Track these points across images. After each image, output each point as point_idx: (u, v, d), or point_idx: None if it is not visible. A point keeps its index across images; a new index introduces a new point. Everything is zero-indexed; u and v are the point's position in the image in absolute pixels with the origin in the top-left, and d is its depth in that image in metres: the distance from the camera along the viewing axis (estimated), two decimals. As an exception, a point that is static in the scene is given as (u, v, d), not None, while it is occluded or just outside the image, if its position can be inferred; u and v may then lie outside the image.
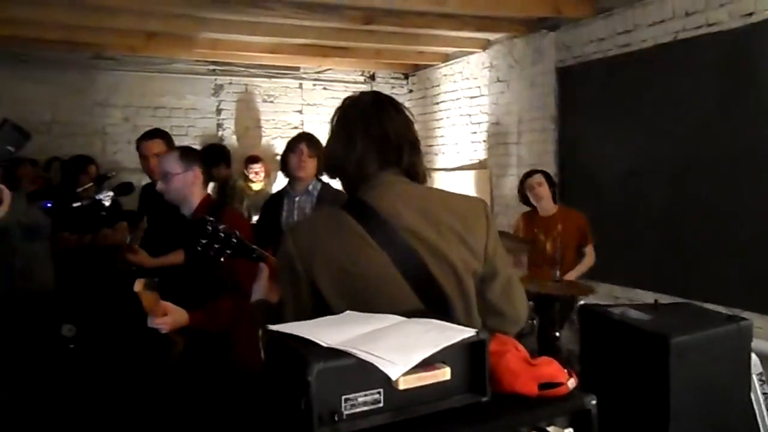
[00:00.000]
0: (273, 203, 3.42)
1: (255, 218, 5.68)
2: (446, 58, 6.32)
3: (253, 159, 6.01)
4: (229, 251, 1.80)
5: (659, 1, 4.09)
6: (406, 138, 1.47)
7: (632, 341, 2.23)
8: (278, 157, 6.64)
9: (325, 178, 3.72)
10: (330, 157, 1.54)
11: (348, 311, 1.28)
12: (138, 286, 1.97)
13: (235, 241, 1.80)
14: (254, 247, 1.82)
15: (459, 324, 1.17)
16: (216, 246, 1.79)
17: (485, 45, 5.72)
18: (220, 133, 6.44)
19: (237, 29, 4.82)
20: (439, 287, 1.35)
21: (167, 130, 6.16)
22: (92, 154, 5.69)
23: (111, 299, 2.74)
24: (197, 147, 6.27)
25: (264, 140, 6.65)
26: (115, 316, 2.66)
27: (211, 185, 5.20)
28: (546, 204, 4.05)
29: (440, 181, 6.57)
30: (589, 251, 4.00)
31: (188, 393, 2.30)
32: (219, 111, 6.43)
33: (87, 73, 5.84)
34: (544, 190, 4.01)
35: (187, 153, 2.53)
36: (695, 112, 3.90)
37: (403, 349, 1.02)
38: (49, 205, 4.72)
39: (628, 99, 4.34)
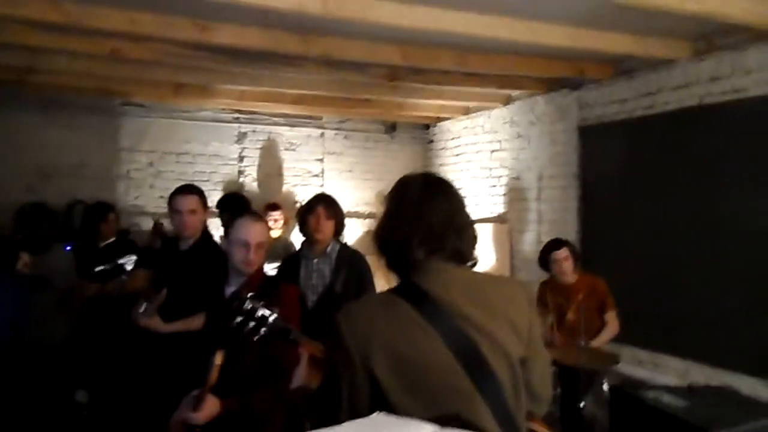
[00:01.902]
0: (290, 265, 3.41)
1: (272, 265, 5.70)
2: (467, 110, 6.38)
3: (273, 206, 6.04)
4: (264, 330, 1.78)
5: (683, 65, 4.10)
6: (451, 224, 1.48)
7: (667, 430, 2.15)
8: (298, 205, 6.71)
9: (343, 238, 3.74)
10: (380, 237, 1.53)
11: (378, 414, 1.25)
12: (219, 358, 1.94)
13: (271, 321, 1.77)
14: (291, 328, 1.79)
15: (509, 409, 1.26)
16: (251, 324, 1.76)
17: (506, 100, 5.78)
18: (241, 179, 6.51)
19: (263, 82, 4.92)
20: (492, 373, 1.37)
21: (190, 176, 6.34)
22: (115, 198, 5.79)
23: (125, 359, 2.72)
24: (218, 193, 6.36)
25: (285, 187, 6.70)
26: (130, 378, 2.64)
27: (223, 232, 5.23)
28: (568, 277, 3.99)
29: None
30: (612, 318, 3.92)
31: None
32: (241, 158, 6.51)
33: (116, 119, 5.97)
34: (569, 266, 3.95)
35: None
36: (721, 176, 3.86)
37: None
38: (68, 248, 4.80)
39: (653, 160, 4.31)
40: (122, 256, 2.82)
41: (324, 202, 3.28)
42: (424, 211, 1.47)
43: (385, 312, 1.40)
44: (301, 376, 1.72)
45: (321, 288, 3.32)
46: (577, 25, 3.60)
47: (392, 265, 1.51)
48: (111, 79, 4.82)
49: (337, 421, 1.26)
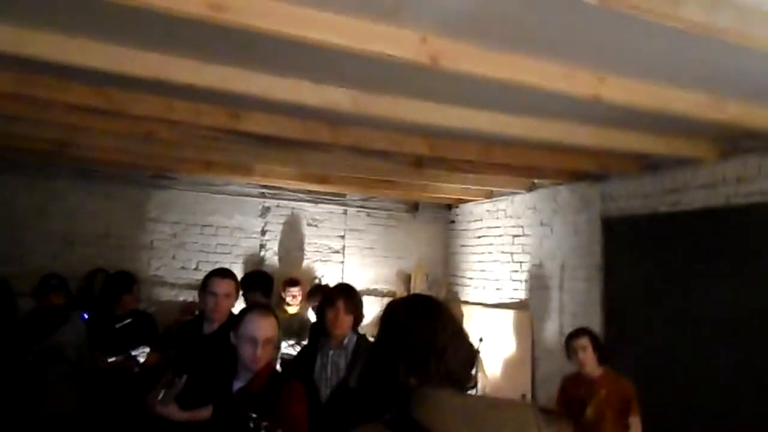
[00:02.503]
0: (305, 357, 3.35)
1: (288, 343, 5.63)
2: (490, 194, 6.41)
3: (292, 282, 6.02)
4: None
5: (709, 164, 4.10)
6: (434, 347, 1.40)
7: None
8: (317, 281, 6.70)
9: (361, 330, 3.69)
10: (372, 364, 1.47)
11: None
12: None
13: None
14: None
15: None
16: None
17: (530, 186, 5.80)
18: (262, 253, 6.54)
19: (290, 163, 5.02)
20: None
21: (212, 248, 6.39)
22: (136, 268, 5.82)
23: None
24: (239, 266, 6.39)
25: (305, 263, 6.72)
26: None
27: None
28: (590, 368, 3.87)
29: (479, 317, 6.44)
30: (636, 424, 3.75)
31: None
32: (264, 232, 6.58)
33: (144, 190, 6.11)
34: (588, 357, 3.84)
35: None
36: (748, 277, 3.77)
37: None
38: (86, 316, 4.80)
39: (678, 257, 4.25)
40: (136, 345, 2.79)
41: (344, 296, 3.23)
42: (406, 335, 1.41)
43: None
44: None
45: (335, 381, 3.24)
46: (601, 125, 3.65)
47: (384, 394, 1.42)
48: (143, 156, 4.96)
49: None
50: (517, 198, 6.09)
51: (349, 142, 3.88)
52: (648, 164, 4.54)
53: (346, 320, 3.22)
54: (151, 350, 2.94)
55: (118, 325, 4.18)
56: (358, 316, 3.36)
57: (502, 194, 6.27)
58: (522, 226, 6.00)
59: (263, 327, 2.47)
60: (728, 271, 3.90)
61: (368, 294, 6.92)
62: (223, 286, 3.12)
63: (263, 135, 3.78)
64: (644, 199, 4.60)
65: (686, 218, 4.23)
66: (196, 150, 4.66)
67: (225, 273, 3.24)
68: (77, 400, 3.84)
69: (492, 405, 1.47)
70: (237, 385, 2.51)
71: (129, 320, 4.19)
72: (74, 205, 5.84)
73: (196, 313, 3.86)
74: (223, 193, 6.39)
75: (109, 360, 2.74)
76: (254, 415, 1.76)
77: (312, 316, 5.75)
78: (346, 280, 6.87)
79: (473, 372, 1.51)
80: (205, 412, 2.66)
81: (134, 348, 2.79)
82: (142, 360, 2.75)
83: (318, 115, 3.58)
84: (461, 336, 1.47)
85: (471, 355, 1.49)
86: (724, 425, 3.81)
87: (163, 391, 2.67)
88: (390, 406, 1.41)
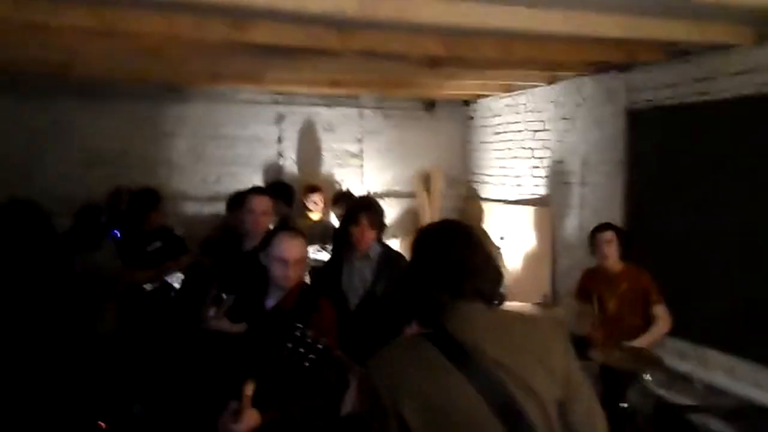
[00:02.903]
0: (331, 268, 3.42)
1: (313, 249, 5.74)
2: (509, 88, 6.18)
3: (313, 189, 6.04)
4: (312, 356, 1.84)
5: (742, 51, 3.85)
6: (468, 266, 1.50)
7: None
8: (337, 186, 6.70)
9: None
10: (409, 288, 1.56)
11: None
12: (249, 389, 2.07)
13: (320, 347, 1.84)
14: (339, 355, 1.85)
15: None
16: (301, 351, 1.83)
17: (551, 79, 5.56)
18: (280, 161, 6.52)
19: (300, 70, 4.85)
20: (525, 418, 1.35)
21: (230, 159, 6.36)
22: (158, 184, 5.85)
23: (178, 366, 2.81)
24: (259, 176, 6.39)
25: (324, 168, 6.69)
26: (182, 388, 2.72)
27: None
28: (612, 262, 3.90)
29: (499, 214, 6.45)
30: (662, 312, 3.74)
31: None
32: (280, 140, 6.51)
33: (156, 106, 6.01)
34: (612, 250, 3.86)
35: None
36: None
37: None
38: (117, 233, 4.91)
39: (705, 149, 4.11)
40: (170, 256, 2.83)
41: (367, 212, 3.24)
42: (442, 255, 1.50)
43: (414, 358, 1.41)
44: (351, 402, 1.76)
45: (362, 291, 3.33)
46: (627, 13, 3.39)
47: (419, 312, 1.53)
48: (150, 71, 4.83)
49: None
50: (538, 91, 5.86)
51: (358, 48, 3.70)
52: (676, 52, 4.27)
53: (371, 234, 3.26)
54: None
55: (149, 249, 4.27)
56: (381, 228, 3.39)
57: (521, 88, 6.04)
58: (543, 121, 5.83)
59: (293, 248, 2.55)
60: (757, 162, 3.78)
61: (388, 196, 6.95)
62: (261, 204, 3.19)
63: (269, 45, 3.61)
64: (672, 89, 4.39)
65: (715, 108, 4.04)
66: (203, 63, 4.51)
67: (261, 190, 3.31)
68: (119, 321, 4.03)
69: (523, 321, 1.55)
70: (269, 303, 2.61)
71: (159, 244, 4.27)
72: (88, 126, 5.80)
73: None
74: (236, 103, 6.26)
75: (146, 287, 2.82)
76: (300, 326, 1.85)
77: (335, 222, 5.82)
78: (366, 184, 6.89)
79: (501, 290, 1.58)
80: (241, 328, 2.80)
81: (169, 275, 2.86)
82: (177, 286, 2.84)
83: (324, 21, 3.39)
84: (490, 258, 1.57)
85: (500, 276, 1.58)
86: (745, 313, 3.86)
87: (213, 308, 2.80)
88: (425, 319, 1.53)
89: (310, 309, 2.52)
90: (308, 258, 5.62)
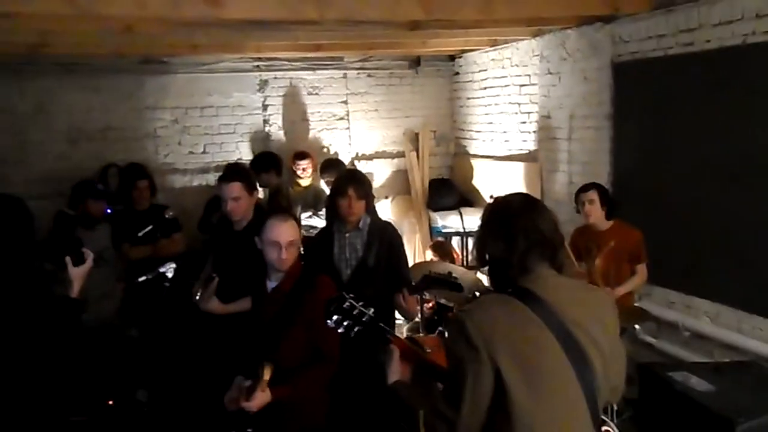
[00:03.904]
0: (322, 240, 3.45)
1: (305, 215, 5.77)
2: (494, 42, 6.09)
3: (301, 155, 6.03)
4: (359, 328, 1.90)
5: (725, 0, 3.80)
6: (555, 235, 1.68)
7: (695, 417, 2.21)
8: (325, 150, 6.68)
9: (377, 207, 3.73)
10: (490, 253, 1.68)
11: None
12: (267, 373, 2.18)
13: (366, 320, 1.90)
14: (384, 327, 1.91)
15: (596, 397, 1.53)
16: (347, 323, 1.90)
17: (536, 33, 5.48)
18: (267, 128, 6.46)
19: (281, 38, 4.76)
20: (590, 365, 1.56)
21: (216, 129, 6.31)
22: (146, 158, 5.85)
23: (182, 351, 2.88)
24: (246, 144, 6.35)
25: (311, 133, 6.65)
26: (188, 372, 2.80)
27: (261, 192, 5.28)
28: (597, 220, 3.96)
29: (488, 171, 6.47)
30: (641, 270, 3.93)
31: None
32: (265, 107, 6.43)
33: (136, 78, 5.90)
34: (595, 209, 3.92)
35: None
36: (762, 120, 3.67)
37: None
38: (109, 211, 4.93)
39: (690, 100, 4.10)
40: (163, 263, 2.90)
41: (354, 183, 3.26)
42: (537, 222, 1.64)
43: (505, 311, 1.55)
44: (396, 371, 1.84)
45: (354, 262, 3.39)
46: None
47: (506, 277, 1.65)
48: (126, 45, 4.73)
49: (459, 413, 1.48)
50: (523, 44, 5.78)
51: (336, 17, 3.63)
52: (661, 2, 4.21)
53: (359, 205, 3.29)
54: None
55: (140, 234, 4.28)
56: (370, 199, 3.42)
57: (506, 42, 5.96)
58: (528, 75, 5.77)
59: (284, 231, 2.60)
60: (742, 113, 3.78)
61: (378, 157, 6.94)
62: (229, 191, 3.19)
63: (247, 20, 3.54)
64: (657, 40, 4.33)
65: (700, 59, 4.01)
66: (181, 37, 4.42)
67: (230, 176, 3.26)
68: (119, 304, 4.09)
69: (585, 287, 1.91)
70: (270, 285, 2.69)
71: (150, 227, 4.27)
72: (69, 103, 5.72)
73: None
74: (218, 72, 6.16)
75: (139, 280, 2.87)
76: (351, 295, 1.93)
77: (325, 187, 5.84)
78: (354, 146, 6.86)
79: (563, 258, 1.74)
80: (245, 303, 2.88)
81: (162, 265, 2.91)
82: (170, 275, 2.89)
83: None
84: (558, 228, 1.71)
85: (563, 244, 1.76)
86: (728, 261, 3.95)
87: (200, 290, 2.86)
88: (504, 283, 1.65)
89: (309, 289, 2.58)
90: (301, 229, 5.69)
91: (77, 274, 2.26)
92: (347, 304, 1.92)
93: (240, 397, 2.32)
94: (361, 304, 1.93)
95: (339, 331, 1.92)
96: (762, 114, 3.66)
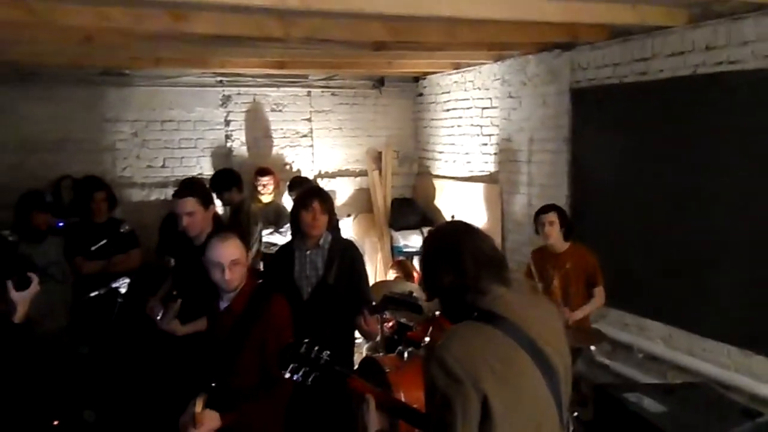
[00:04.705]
0: (283, 257, 3.41)
1: (266, 232, 5.71)
2: (457, 66, 6.20)
3: (263, 171, 5.98)
4: (316, 374, 1.87)
5: (679, 32, 3.97)
6: (498, 254, 1.72)
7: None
8: (288, 167, 6.65)
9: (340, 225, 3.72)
10: (442, 283, 1.67)
11: None
12: (199, 406, 2.11)
13: (323, 363, 1.86)
14: (341, 369, 1.88)
15: (563, 406, 1.59)
16: (303, 370, 1.86)
17: (497, 57, 5.61)
18: (228, 144, 6.40)
19: (245, 54, 4.75)
20: (559, 381, 1.60)
21: (176, 143, 6.22)
22: (103, 171, 5.70)
23: (132, 370, 2.79)
24: (207, 159, 6.28)
25: (274, 150, 6.61)
26: (137, 392, 2.71)
27: (221, 210, 5.21)
28: (556, 241, 4.04)
29: (450, 191, 6.54)
30: (599, 292, 4.00)
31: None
32: (227, 122, 6.38)
33: (96, 90, 5.78)
34: (554, 230, 3.99)
35: None
36: (713, 147, 3.82)
37: None
38: (61, 224, 4.77)
39: (646, 127, 4.25)
40: (116, 278, 2.82)
41: (319, 197, 3.25)
42: (481, 244, 1.67)
43: (480, 338, 1.54)
44: (374, 421, 1.80)
45: (315, 280, 3.35)
46: (571, -2, 3.45)
47: (455, 303, 1.65)
48: (86, 56, 4.64)
49: None
50: (485, 68, 5.91)
51: (301, 35, 3.64)
52: (618, 32, 4.38)
53: (323, 220, 3.27)
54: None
55: (93, 248, 4.15)
56: (332, 216, 3.41)
57: (469, 65, 6.08)
58: (490, 98, 5.89)
59: (225, 251, 2.53)
60: (694, 140, 3.93)
61: (340, 175, 6.95)
62: (181, 207, 3.14)
63: (212, 35, 3.52)
64: (613, 68, 4.50)
65: (653, 87, 4.18)
66: (144, 50, 4.36)
67: (182, 192, 3.21)
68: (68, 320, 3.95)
69: (537, 300, 1.95)
70: (222, 305, 2.61)
71: (104, 242, 4.15)
72: (26, 113, 5.54)
73: None
74: (180, 86, 6.09)
75: (91, 295, 2.78)
76: (306, 341, 1.91)
77: (288, 204, 5.79)
78: (317, 164, 6.86)
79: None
80: (203, 323, 2.82)
81: (115, 280, 2.82)
82: (123, 291, 2.80)
83: (266, 11, 3.32)
84: (496, 246, 1.77)
85: (504, 260, 1.78)
86: (681, 287, 4.07)
87: (162, 311, 2.78)
88: (462, 309, 1.64)
89: (261, 309, 2.53)
90: (262, 239, 5.59)
91: (20, 298, 2.15)
92: (303, 348, 1.89)
93: (189, 423, 2.25)
94: (316, 348, 1.91)
95: (295, 379, 1.90)
96: (714, 142, 3.82)
